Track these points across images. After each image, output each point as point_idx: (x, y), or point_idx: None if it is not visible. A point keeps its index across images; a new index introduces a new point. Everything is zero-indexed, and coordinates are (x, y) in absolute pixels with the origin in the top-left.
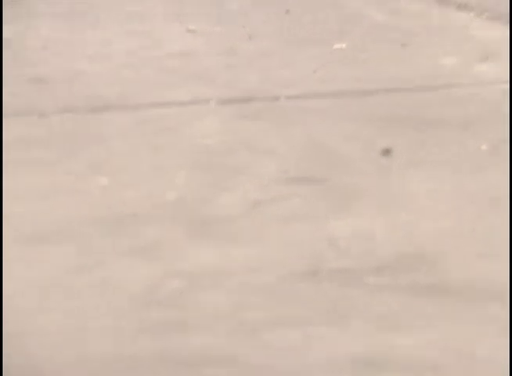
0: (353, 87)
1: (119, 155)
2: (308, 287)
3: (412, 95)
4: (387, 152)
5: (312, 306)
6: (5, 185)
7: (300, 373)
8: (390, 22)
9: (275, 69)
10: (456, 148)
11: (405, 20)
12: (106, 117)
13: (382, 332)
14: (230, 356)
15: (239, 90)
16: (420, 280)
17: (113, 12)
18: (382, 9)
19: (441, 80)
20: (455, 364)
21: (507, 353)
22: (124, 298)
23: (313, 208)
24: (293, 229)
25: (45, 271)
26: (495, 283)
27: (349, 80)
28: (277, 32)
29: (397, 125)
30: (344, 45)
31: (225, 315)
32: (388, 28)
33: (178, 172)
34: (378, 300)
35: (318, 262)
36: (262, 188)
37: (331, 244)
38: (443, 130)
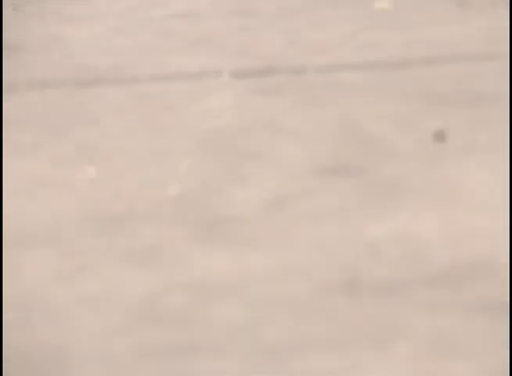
0: (397, 56)
1: (111, 139)
2: (343, 303)
3: (469, 65)
4: (440, 136)
5: (348, 326)
6: None
7: None
8: None
9: (302, 34)
10: None
11: None
12: (96, 92)
13: (434, 357)
14: None
15: (257, 59)
16: (480, 294)
17: None
18: None
19: (505, 46)
20: None
21: None
22: (117, 314)
23: (348, 205)
24: (323, 231)
25: (25, 280)
26: None
27: (393, 48)
28: None
29: (452, 103)
30: (387, 5)
31: (240, 335)
32: None
33: (183, 160)
34: (429, 318)
35: (354, 272)
36: (285, 180)
37: (371, 249)
38: (507, 107)
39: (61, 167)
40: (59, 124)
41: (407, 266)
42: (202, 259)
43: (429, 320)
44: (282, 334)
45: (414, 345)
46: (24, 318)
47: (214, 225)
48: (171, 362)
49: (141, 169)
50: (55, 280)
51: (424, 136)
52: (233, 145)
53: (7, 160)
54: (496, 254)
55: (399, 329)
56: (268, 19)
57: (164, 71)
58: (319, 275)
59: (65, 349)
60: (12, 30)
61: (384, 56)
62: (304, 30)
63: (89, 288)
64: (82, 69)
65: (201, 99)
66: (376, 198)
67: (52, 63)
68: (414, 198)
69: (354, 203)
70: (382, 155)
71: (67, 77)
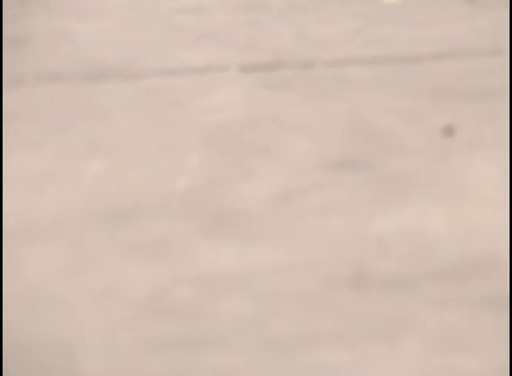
0: (406, 52)
1: (118, 133)
2: (350, 297)
3: (477, 60)
4: (448, 130)
5: (355, 320)
6: None
7: None
8: None
9: (310, 28)
10: None
11: None
12: (102, 86)
13: (441, 352)
14: None
15: (265, 53)
16: (487, 289)
17: None
18: None
19: None
20: None
21: None
22: (124, 308)
23: (356, 200)
24: (331, 226)
25: (30, 274)
26: None
27: (401, 43)
28: None
29: (460, 98)
30: (396, 1)
31: (247, 329)
32: None
33: (190, 154)
34: (436, 313)
35: (362, 266)
36: (293, 174)
37: (378, 243)
38: None
39: (68, 161)
40: (66, 118)
41: (414, 261)
42: (209, 253)
43: (436, 315)
44: (289, 328)
45: (421, 339)
46: (30, 312)
47: (222, 220)
48: (178, 356)
49: (148, 163)
50: (62, 274)
51: (432, 131)
52: (241, 139)
53: (13, 154)
54: (503, 249)
55: (406, 323)
56: (276, 13)
57: (170, 66)
58: (327, 269)
59: (71, 343)
60: (19, 24)
61: (392, 52)
62: (312, 25)
63: (96, 282)
64: (89, 63)
65: (208, 94)
66: (384, 193)
67: (59, 57)
68: (421, 193)
69: (361, 197)
70: (390, 150)
71: (74, 71)
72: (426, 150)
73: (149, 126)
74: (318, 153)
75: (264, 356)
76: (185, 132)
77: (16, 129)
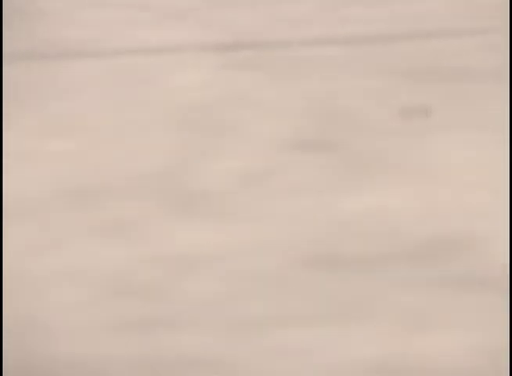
0: (379, 30)
1: (84, 113)
2: (317, 278)
3: (454, 40)
4: (417, 111)
5: (323, 301)
6: None
7: None
8: None
9: (278, 5)
10: (507, 105)
11: None
12: (68, 65)
13: (407, 332)
14: (220, 360)
15: (231, 33)
16: (454, 270)
17: None
18: None
19: (494, 20)
20: (493, 372)
21: None
22: (90, 288)
23: (324, 180)
24: (298, 206)
25: None
26: None
27: (374, 21)
28: None
29: (432, 78)
30: None
31: (214, 309)
32: None
33: (157, 133)
34: (403, 294)
35: (329, 247)
36: (260, 154)
37: (346, 224)
38: (491, 83)
39: (34, 140)
40: (32, 97)
41: (382, 242)
42: (176, 233)
43: (401, 295)
44: (257, 309)
45: (387, 319)
46: None
47: (188, 200)
48: (144, 335)
49: (116, 143)
50: (29, 254)
51: (406, 112)
52: (207, 119)
53: None
54: (474, 229)
55: (375, 305)
56: None
57: (133, 45)
58: (294, 250)
59: (39, 323)
60: None
61: (364, 30)
62: (282, 3)
63: (63, 262)
64: (54, 42)
65: (174, 73)
66: (353, 173)
67: (25, 36)
68: (390, 173)
69: (330, 177)
70: (358, 130)
71: (40, 50)
72: (398, 131)
73: (115, 106)
74: (285, 133)
75: (231, 337)
76: (151, 113)
77: None
